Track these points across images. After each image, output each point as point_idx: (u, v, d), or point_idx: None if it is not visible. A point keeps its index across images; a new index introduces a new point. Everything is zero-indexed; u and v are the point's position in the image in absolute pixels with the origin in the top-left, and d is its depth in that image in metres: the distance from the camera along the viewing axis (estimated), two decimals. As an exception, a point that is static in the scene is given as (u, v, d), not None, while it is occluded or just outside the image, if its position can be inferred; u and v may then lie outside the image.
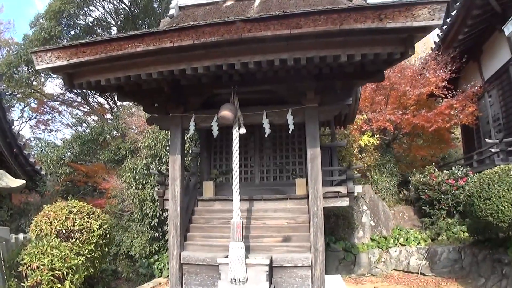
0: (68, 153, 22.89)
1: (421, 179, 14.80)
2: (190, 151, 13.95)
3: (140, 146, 16.04)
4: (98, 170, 22.50)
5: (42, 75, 25.64)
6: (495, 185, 9.50)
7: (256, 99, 9.18)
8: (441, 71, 16.80)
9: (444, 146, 20.26)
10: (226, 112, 8.01)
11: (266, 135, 8.78)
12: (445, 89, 16.92)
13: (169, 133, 9.91)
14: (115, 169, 20.85)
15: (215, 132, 8.83)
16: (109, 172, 21.50)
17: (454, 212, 13.86)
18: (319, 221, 8.36)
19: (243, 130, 8.48)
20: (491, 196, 9.42)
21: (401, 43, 6.61)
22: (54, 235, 9.07)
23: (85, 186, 22.36)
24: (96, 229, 9.78)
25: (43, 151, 22.79)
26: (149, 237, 14.83)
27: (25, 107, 29.36)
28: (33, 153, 21.55)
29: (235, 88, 8.61)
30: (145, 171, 15.20)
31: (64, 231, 9.31)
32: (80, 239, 9.43)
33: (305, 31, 6.46)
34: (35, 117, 29.27)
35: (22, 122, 30.33)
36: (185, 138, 13.31)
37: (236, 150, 8.34)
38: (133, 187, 15.25)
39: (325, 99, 8.97)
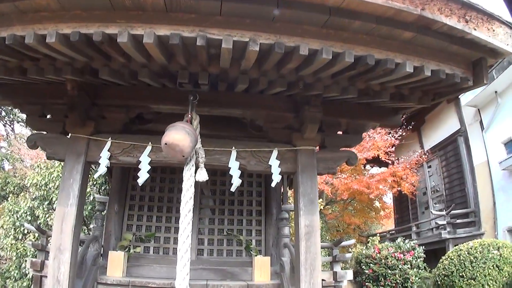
0: None
1: (363, 251, 12.10)
2: (92, 197, 9.30)
3: (28, 183, 11.07)
4: None
5: None
6: (479, 262, 8.52)
7: (217, 128, 5.50)
8: (390, 135, 15.02)
9: (377, 215, 17.69)
10: (179, 137, 3.76)
11: (231, 189, 4.70)
12: (392, 155, 15.12)
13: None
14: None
15: (144, 175, 4.57)
16: None
17: (401, 288, 11.19)
18: None
19: (203, 175, 4.30)
20: (476, 275, 8.37)
21: (468, 67, 4.18)
22: None
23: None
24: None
25: None
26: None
27: None
28: None
29: (194, 100, 4.45)
30: (30, 217, 10.60)
31: None
32: None
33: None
34: None
35: None
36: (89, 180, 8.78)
37: (189, 211, 4.10)
38: (11, 236, 10.52)
39: (327, 142, 5.35)
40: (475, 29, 3.67)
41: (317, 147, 5.25)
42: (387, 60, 3.62)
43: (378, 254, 11.43)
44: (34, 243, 5.74)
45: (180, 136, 3.75)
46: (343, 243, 6.44)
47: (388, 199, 19.58)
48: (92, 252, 6.00)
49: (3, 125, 21.99)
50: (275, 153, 4.83)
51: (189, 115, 4.29)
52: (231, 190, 4.68)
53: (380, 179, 14.65)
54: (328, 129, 5.32)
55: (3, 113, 19.37)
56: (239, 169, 4.67)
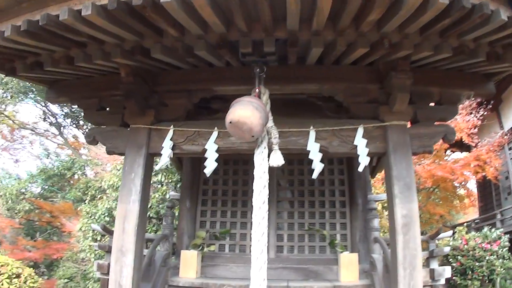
0: (33, 187, 17.88)
1: (450, 243, 10.80)
2: (168, 196, 8.86)
3: (105, 185, 10.95)
4: (65, 209, 17.62)
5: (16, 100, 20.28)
6: None
7: (289, 113, 4.60)
8: (472, 115, 13.36)
9: (461, 203, 16.58)
10: (246, 113, 3.04)
11: (313, 176, 3.91)
12: (474, 137, 13.38)
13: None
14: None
15: (211, 164, 3.93)
16: (77, 214, 16.67)
17: (487, 282, 10.01)
18: None
19: (278, 159, 3.51)
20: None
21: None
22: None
23: (51, 226, 17.96)
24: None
25: (2, 182, 17.56)
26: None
27: (-5, 135, 23.67)
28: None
29: (261, 73, 3.71)
30: (108, 218, 10.43)
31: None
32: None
33: None
34: (6, 146, 23.71)
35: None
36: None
37: (263, 202, 3.39)
38: (89, 238, 10.48)
39: (419, 115, 4.37)
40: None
41: (408, 123, 4.38)
42: (482, 5, 2.87)
43: (465, 246, 10.38)
44: (100, 244, 5.36)
45: (247, 112, 3.02)
46: (441, 235, 5.46)
47: (471, 185, 17.94)
48: (161, 252, 5.50)
49: (82, 133, 22.47)
50: (360, 130, 4.02)
51: (257, 89, 3.53)
52: (312, 177, 3.91)
53: (464, 164, 13.18)
54: (419, 101, 4.38)
55: (81, 122, 19.67)
56: (319, 151, 3.90)
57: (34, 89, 17.17)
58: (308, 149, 3.92)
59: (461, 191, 16.85)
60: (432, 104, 4.61)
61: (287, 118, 4.15)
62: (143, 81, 4.27)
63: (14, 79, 15.73)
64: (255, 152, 3.48)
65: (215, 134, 4.04)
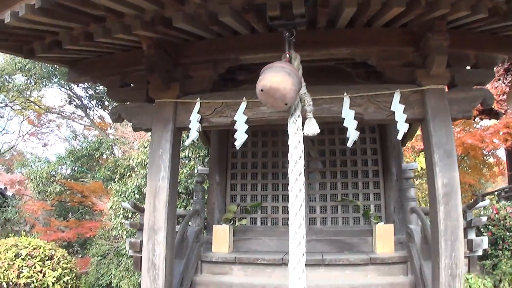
0: (63, 169, 18.04)
1: (481, 212, 10.11)
2: (196, 171, 8.71)
3: (133, 163, 10.91)
4: (95, 189, 17.64)
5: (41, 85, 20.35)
6: None
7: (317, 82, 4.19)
8: (501, 82, 12.92)
9: (491, 172, 16.04)
10: (278, 79, 2.82)
11: (347, 144, 3.73)
12: (503, 104, 12.99)
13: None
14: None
15: (241, 136, 3.74)
16: (107, 192, 16.56)
17: (517, 252, 9.95)
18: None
19: (313, 127, 3.27)
20: None
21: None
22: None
23: (83, 206, 17.86)
24: (52, 284, 6.43)
25: (32, 166, 17.75)
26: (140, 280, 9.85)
27: (23, 120, 23.56)
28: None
29: (291, 37, 3.47)
30: (138, 196, 10.33)
31: (5, 285, 6.11)
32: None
33: None
34: (34, 131, 24.11)
35: (19, 136, 24.51)
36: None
37: (300, 174, 3.15)
38: (120, 216, 10.41)
39: (457, 79, 4.09)
40: None
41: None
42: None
43: (496, 215, 9.76)
44: (131, 222, 5.28)
45: (279, 78, 2.80)
46: (480, 204, 5.16)
47: (500, 153, 17.48)
48: (193, 227, 5.40)
49: (108, 113, 22.40)
50: (397, 95, 3.76)
51: (287, 54, 3.29)
52: (347, 145, 3.72)
53: (493, 132, 12.69)
54: (455, 64, 4.09)
55: (106, 103, 19.67)
56: (355, 119, 3.67)
57: (57, 74, 17.16)
58: (342, 116, 3.70)
59: (491, 159, 16.42)
60: (468, 67, 4.33)
61: (317, 86, 3.92)
62: (166, 54, 4.09)
63: (36, 65, 15.74)
64: (288, 121, 3.27)
65: (243, 104, 3.83)
